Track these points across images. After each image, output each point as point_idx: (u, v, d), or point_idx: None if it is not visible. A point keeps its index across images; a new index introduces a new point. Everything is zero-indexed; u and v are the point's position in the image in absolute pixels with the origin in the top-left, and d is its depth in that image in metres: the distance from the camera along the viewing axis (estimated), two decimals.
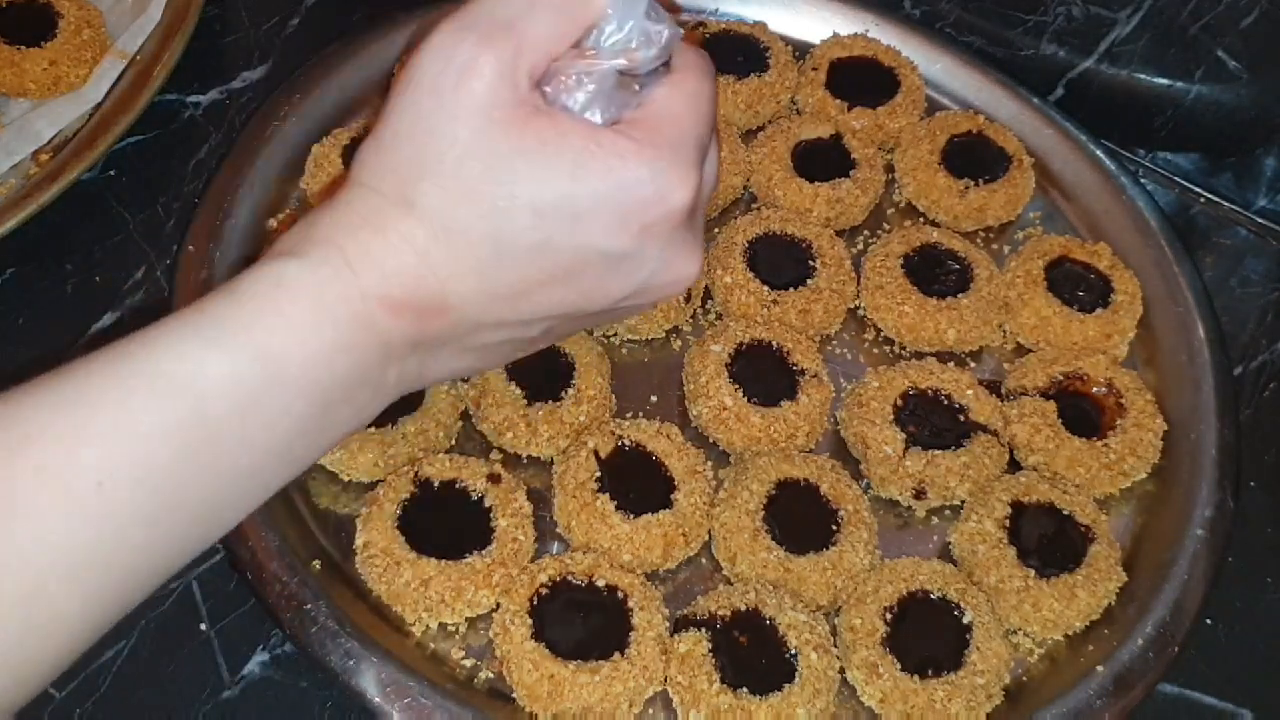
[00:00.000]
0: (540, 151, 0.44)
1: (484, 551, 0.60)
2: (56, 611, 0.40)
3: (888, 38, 0.86)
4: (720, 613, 0.60)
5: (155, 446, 0.41)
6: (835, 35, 0.87)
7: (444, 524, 0.61)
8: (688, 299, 0.73)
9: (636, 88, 0.47)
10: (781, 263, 0.74)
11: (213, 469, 0.43)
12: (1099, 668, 0.62)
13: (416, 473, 0.62)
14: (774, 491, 0.64)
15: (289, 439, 0.45)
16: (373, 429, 0.63)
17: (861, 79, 0.84)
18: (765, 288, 0.73)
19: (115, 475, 0.40)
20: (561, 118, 0.45)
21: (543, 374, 0.67)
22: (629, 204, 0.46)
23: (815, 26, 0.88)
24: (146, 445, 0.41)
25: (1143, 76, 0.89)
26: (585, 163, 0.45)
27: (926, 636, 0.61)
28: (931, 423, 0.69)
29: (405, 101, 0.46)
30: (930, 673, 0.59)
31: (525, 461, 0.67)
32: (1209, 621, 0.66)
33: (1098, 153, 0.83)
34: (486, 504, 0.62)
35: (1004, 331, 0.76)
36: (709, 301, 0.75)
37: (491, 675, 0.59)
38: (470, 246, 0.45)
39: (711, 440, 0.69)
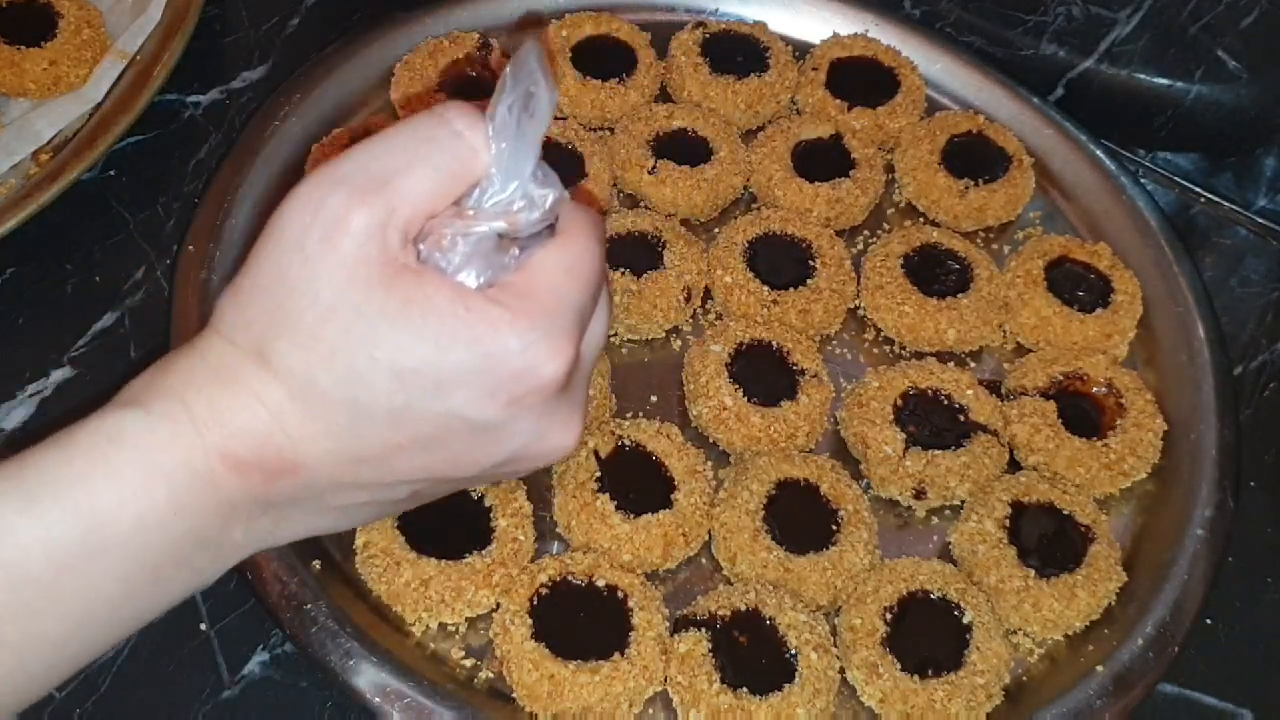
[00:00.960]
0: (404, 314, 0.42)
1: (484, 551, 0.60)
2: None
3: (888, 38, 0.86)
4: (720, 613, 0.60)
5: None
6: (835, 35, 0.87)
7: (444, 524, 0.61)
8: (688, 299, 0.73)
9: (516, 251, 0.45)
10: (781, 263, 0.74)
11: (19, 638, 0.40)
12: (1099, 668, 0.62)
13: None
14: (774, 491, 0.64)
15: (111, 605, 0.42)
16: None
17: (861, 79, 0.84)
18: (765, 288, 0.73)
19: None
20: (431, 279, 0.43)
21: None
22: (497, 375, 0.43)
23: (815, 26, 0.88)
24: None
25: (1143, 76, 0.89)
26: (452, 329, 0.42)
27: (926, 636, 0.61)
28: (931, 423, 0.69)
29: (267, 253, 0.43)
30: (930, 673, 0.59)
31: None
32: (1209, 621, 0.66)
33: (1098, 153, 0.83)
34: (486, 504, 0.62)
35: (1004, 331, 0.76)
36: (709, 301, 0.75)
37: (491, 675, 0.59)
38: (326, 409, 0.43)
39: (711, 440, 0.69)
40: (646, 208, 0.77)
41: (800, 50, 0.86)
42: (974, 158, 0.81)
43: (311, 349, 0.42)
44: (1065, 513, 0.66)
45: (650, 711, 0.59)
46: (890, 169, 0.82)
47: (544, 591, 0.59)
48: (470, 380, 0.43)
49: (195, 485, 0.42)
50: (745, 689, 0.57)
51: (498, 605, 0.60)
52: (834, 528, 0.64)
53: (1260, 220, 0.86)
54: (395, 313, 0.42)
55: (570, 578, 0.60)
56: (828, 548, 0.63)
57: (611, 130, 0.80)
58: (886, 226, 0.81)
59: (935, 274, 0.75)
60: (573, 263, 0.45)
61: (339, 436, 0.44)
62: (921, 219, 0.81)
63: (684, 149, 0.78)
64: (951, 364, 0.73)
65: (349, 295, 0.42)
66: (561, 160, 0.75)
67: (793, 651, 0.59)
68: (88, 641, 0.43)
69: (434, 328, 0.42)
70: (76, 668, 0.44)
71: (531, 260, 0.45)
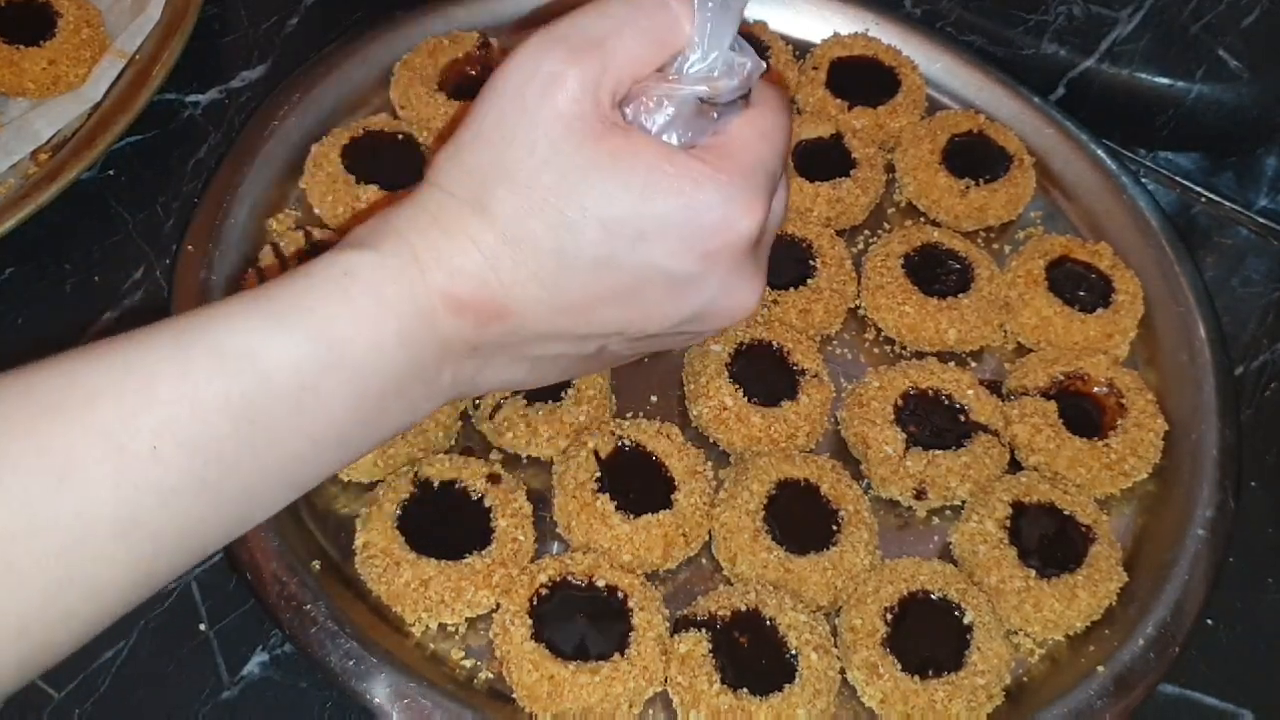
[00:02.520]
0: (613, 167, 0.45)
1: (484, 552, 0.60)
2: (93, 571, 0.40)
3: (888, 37, 0.86)
4: (720, 613, 0.60)
5: (213, 417, 0.41)
6: (836, 34, 0.87)
7: (444, 524, 0.61)
8: None
9: (714, 115, 0.48)
10: (782, 262, 0.74)
11: (266, 446, 0.43)
12: (1100, 668, 0.62)
13: (416, 473, 0.62)
14: (774, 491, 0.64)
15: (342, 425, 0.45)
16: None
17: (862, 78, 0.84)
18: (766, 287, 0.72)
19: (171, 441, 0.41)
20: (637, 136, 0.46)
21: None
22: (695, 227, 0.46)
23: (816, 26, 0.88)
24: (204, 415, 0.41)
25: (1144, 76, 0.89)
26: (656, 182, 0.45)
27: (927, 637, 0.61)
28: (932, 423, 0.69)
29: (488, 106, 0.46)
30: (931, 673, 0.59)
31: (525, 461, 0.67)
32: (1210, 622, 0.66)
33: (1099, 152, 0.83)
34: (486, 504, 0.62)
35: (1005, 331, 0.76)
36: None
37: (491, 675, 0.59)
38: (537, 255, 0.46)
39: (711, 440, 0.69)
40: None
41: (800, 49, 0.86)
42: (975, 157, 0.81)
43: (526, 196, 0.45)
44: (1066, 513, 0.66)
45: (650, 712, 0.59)
46: (891, 168, 0.82)
47: (544, 592, 0.59)
48: (671, 232, 0.46)
49: (419, 319, 0.45)
50: (745, 689, 0.57)
51: (498, 606, 0.60)
52: (834, 528, 0.64)
53: (1261, 220, 0.86)
54: (605, 165, 0.45)
55: (570, 578, 0.60)
56: (828, 548, 0.63)
57: None
58: (887, 226, 0.81)
59: (936, 274, 0.75)
60: (767, 129, 0.48)
61: (545, 284, 0.46)
62: (922, 219, 0.81)
63: None
64: (952, 364, 0.73)
65: (563, 147, 0.45)
66: None
67: (793, 652, 0.59)
68: (320, 460, 0.46)
69: (640, 180, 0.45)
70: (308, 487, 0.46)
71: (729, 125, 0.48)
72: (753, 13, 0.87)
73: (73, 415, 0.40)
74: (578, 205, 0.45)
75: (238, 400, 0.42)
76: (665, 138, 0.47)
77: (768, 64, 0.47)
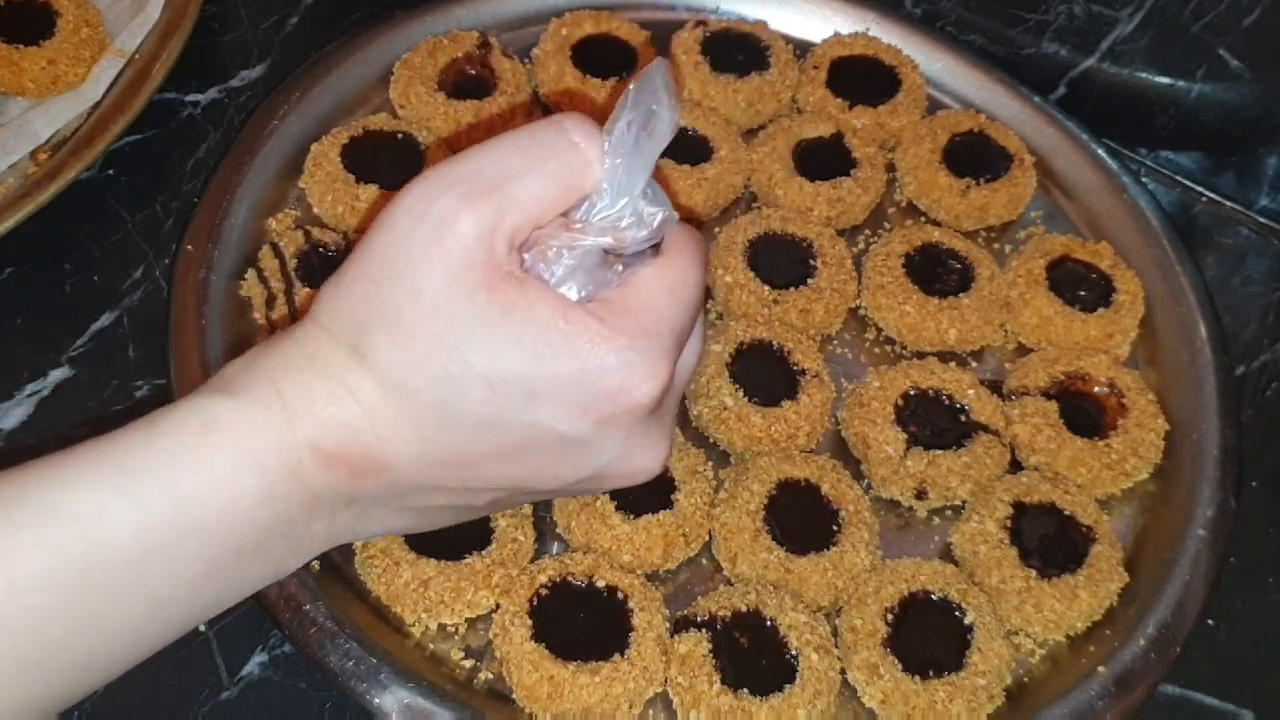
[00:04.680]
0: (503, 322, 0.42)
1: (484, 552, 0.60)
2: None
3: (889, 36, 0.86)
4: (721, 613, 0.60)
5: (38, 591, 0.39)
6: (836, 34, 0.87)
7: None
8: None
9: (619, 268, 0.45)
10: (782, 262, 0.74)
11: (103, 617, 0.40)
12: (1100, 668, 0.61)
13: None
14: (775, 492, 0.64)
15: (191, 589, 0.42)
16: None
17: (862, 78, 0.84)
18: (766, 287, 0.72)
19: None
20: (533, 288, 0.43)
21: None
22: (590, 391, 0.43)
23: (816, 25, 0.88)
24: (27, 588, 0.38)
25: (1144, 75, 0.89)
26: (550, 340, 0.42)
27: (928, 637, 0.61)
28: (933, 423, 0.68)
29: (374, 246, 0.43)
30: (931, 673, 0.59)
31: None
32: (1210, 622, 0.66)
33: (1099, 152, 0.83)
34: None
35: (1005, 331, 0.76)
36: (709, 301, 0.75)
37: (491, 676, 0.59)
38: (417, 409, 0.43)
39: (711, 440, 0.69)
40: None
41: (801, 49, 0.86)
42: (975, 157, 0.81)
43: (407, 347, 0.42)
44: (1067, 513, 0.65)
45: (650, 712, 0.59)
46: (891, 168, 0.82)
47: (544, 592, 0.59)
48: (563, 394, 0.43)
49: (285, 473, 0.43)
50: (746, 690, 0.57)
51: (497, 606, 0.60)
52: (835, 528, 0.64)
53: (1262, 220, 0.86)
54: (495, 319, 0.42)
55: (570, 578, 0.60)
56: (828, 548, 0.63)
57: None
58: (887, 226, 0.80)
59: (936, 273, 0.75)
60: (675, 283, 0.45)
61: (427, 439, 0.44)
62: (923, 218, 0.81)
63: (684, 148, 0.78)
64: (953, 364, 0.72)
65: (450, 297, 0.42)
66: None
67: (793, 652, 0.59)
68: (164, 626, 0.43)
69: (532, 337, 0.42)
70: (146, 654, 0.43)
71: (634, 278, 0.45)
72: (753, 12, 0.88)
73: None
74: (461, 360, 0.42)
75: (66, 571, 0.39)
76: (565, 289, 0.44)
77: (671, 211, 0.44)
